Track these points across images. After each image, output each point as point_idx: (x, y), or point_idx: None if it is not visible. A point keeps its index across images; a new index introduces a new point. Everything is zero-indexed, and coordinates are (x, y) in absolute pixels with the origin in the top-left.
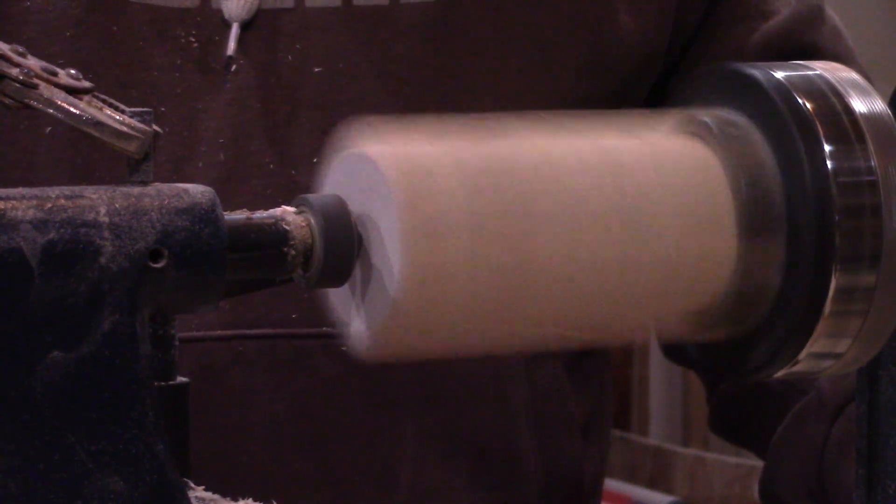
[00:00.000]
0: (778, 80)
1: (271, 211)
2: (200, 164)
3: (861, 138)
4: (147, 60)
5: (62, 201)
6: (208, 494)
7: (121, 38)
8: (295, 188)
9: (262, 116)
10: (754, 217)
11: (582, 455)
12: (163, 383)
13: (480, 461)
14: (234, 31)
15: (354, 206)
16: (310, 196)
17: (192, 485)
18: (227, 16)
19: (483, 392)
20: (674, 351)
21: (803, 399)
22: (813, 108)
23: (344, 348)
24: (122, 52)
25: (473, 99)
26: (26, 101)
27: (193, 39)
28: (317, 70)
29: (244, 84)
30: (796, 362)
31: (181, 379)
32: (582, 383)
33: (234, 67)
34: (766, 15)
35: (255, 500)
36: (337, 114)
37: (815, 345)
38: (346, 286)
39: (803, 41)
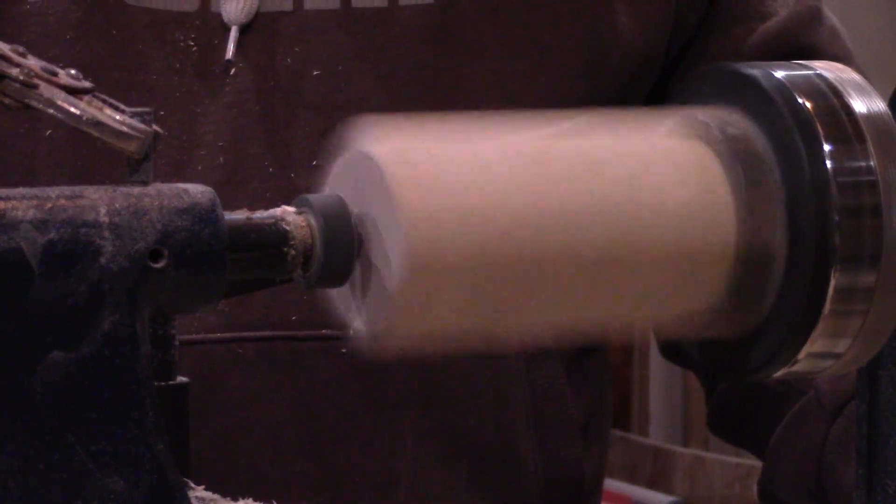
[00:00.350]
0: (778, 79)
1: (271, 211)
2: (199, 168)
3: (861, 138)
4: (146, 64)
5: (62, 201)
6: (208, 494)
7: (120, 42)
8: (294, 191)
9: (260, 119)
10: (754, 216)
11: (581, 455)
12: (163, 383)
13: (480, 462)
14: (233, 34)
15: (355, 206)
16: (310, 196)
17: (193, 485)
18: (226, 19)
19: (482, 393)
20: (672, 351)
21: (802, 399)
22: (813, 108)
23: (343, 350)
24: (122, 55)
25: (473, 100)
26: (26, 101)
27: (192, 43)
28: (316, 73)
29: (243, 87)
30: (796, 362)
31: (181, 379)
32: (581, 384)
33: (232, 71)
34: (764, 16)
35: (254, 501)
36: (336, 116)
37: (814, 344)
38: (346, 286)
39: (801, 42)
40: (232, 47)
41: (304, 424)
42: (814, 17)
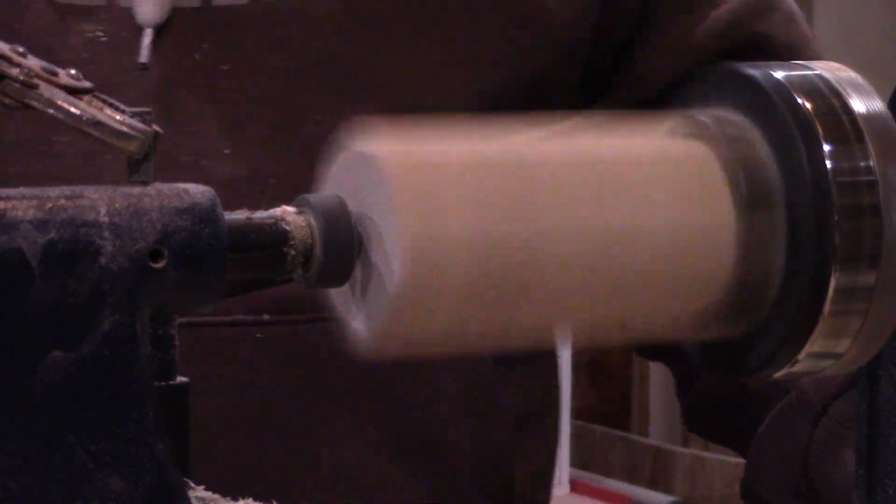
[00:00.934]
0: (777, 79)
1: (271, 211)
2: (108, 157)
3: (860, 138)
4: (54, 55)
5: (62, 201)
6: (208, 494)
7: (26, 36)
8: (206, 181)
9: (171, 112)
10: (753, 217)
11: (516, 447)
12: (163, 383)
13: (413, 451)
14: (148, 36)
15: (355, 206)
16: (310, 196)
17: (193, 485)
18: (140, 20)
19: (414, 382)
20: (645, 347)
21: (785, 398)
22: (812, 108)
23: (259, 336)
24: (30, 49)
25: (388, 91)
26: (26, 101)
27: (101, 34)
28: (224, 68)
29: (153, 81)
30: (796, 362)
31: (181, 379)
32: (519, 375)
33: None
34: (713, 3)
35: (254, 501)
36: (246, 110)
37: (814, 344)
38: (346, 286)
39: (754, 30)
40: (146, 49)
41: (236, 413)
42: (766, 4)
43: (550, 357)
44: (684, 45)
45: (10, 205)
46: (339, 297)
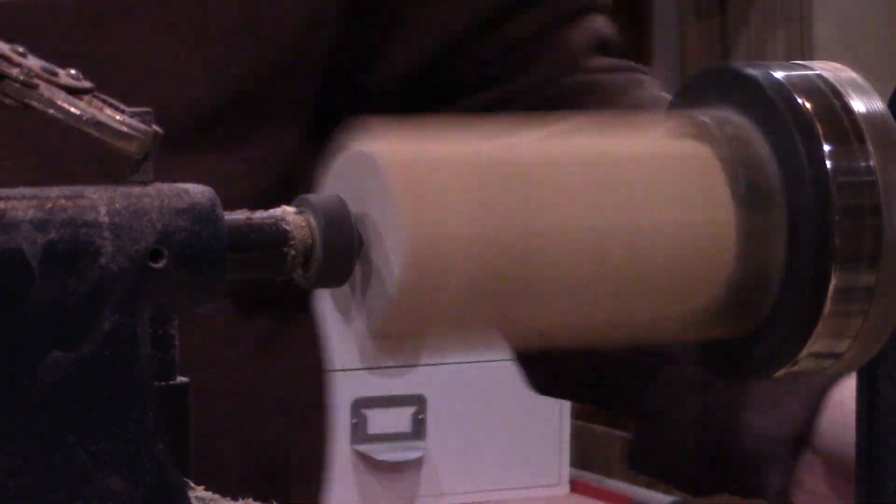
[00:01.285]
0: (777, 79)
1: (271, 211)
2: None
3: (860, 138)
4: None
5: (62, 201)
6: (208, 494)
7: None
8: None
9: None
10: (753, 217)
11: (286, 437)
12: (163, 383)
13: None
14: None
15: (355, 206)
16: (310, 196)
17: (193, 485)
18: None
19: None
20: None
21: (665, 371)
22: (812, 108)
23: None
24: None
25: (132, 85)
26: (26, 101)
27: None
28: None
29: None
30: (796, 362)
31: (181, 379)
32: (285, 367)
33: None
34: None
35: (254, 501)
36: None
37: (814, 344)
38: (346, 286)
39: None
40: None
41: None
42: None
43: (310, 342)
44: (457, 11)
45: (10, 205)
46: (338, 297)
